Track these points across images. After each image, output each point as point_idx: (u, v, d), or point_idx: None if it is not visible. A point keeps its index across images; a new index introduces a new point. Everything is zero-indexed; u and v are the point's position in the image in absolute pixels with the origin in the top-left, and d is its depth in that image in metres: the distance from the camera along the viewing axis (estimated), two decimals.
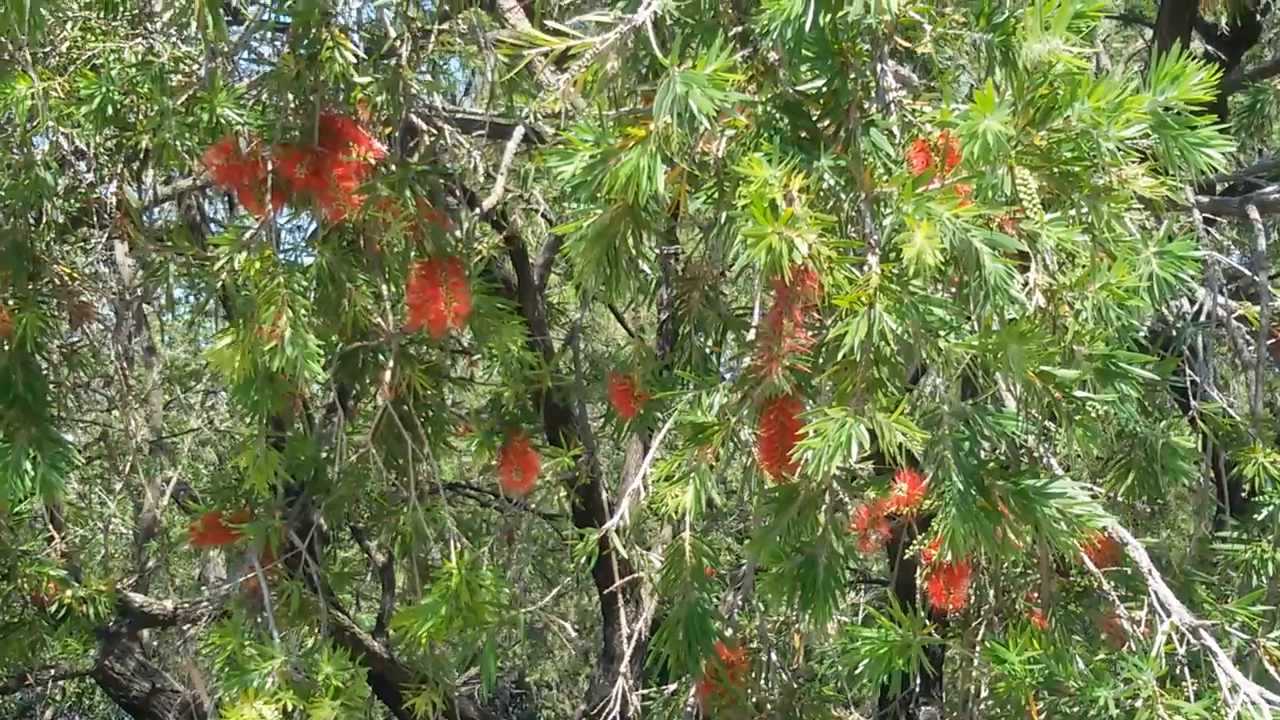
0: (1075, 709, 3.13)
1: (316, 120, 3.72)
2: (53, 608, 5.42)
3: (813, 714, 4.05)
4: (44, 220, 4.04)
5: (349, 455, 4.22)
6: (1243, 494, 4.36)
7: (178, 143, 3.66)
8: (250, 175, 3.69)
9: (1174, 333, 4.40)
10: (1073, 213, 2.67)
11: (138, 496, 8.09)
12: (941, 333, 2.61)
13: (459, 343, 4.49)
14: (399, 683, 5.63)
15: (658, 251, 4.62)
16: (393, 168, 3.77)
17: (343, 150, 3.70)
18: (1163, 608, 3.14)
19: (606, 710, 4.05)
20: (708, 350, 3.76)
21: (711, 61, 2.50)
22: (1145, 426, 3.70)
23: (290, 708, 3.71)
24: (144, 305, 6.37)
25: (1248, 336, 4.38)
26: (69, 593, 5.40)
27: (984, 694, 3.52)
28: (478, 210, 4.57)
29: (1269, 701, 2.92)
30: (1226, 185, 5.57)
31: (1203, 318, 4.33)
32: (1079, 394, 2.72)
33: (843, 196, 2.71)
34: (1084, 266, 2.69)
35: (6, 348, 3.92)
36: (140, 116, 3.78)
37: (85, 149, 4.10)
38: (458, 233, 4.04)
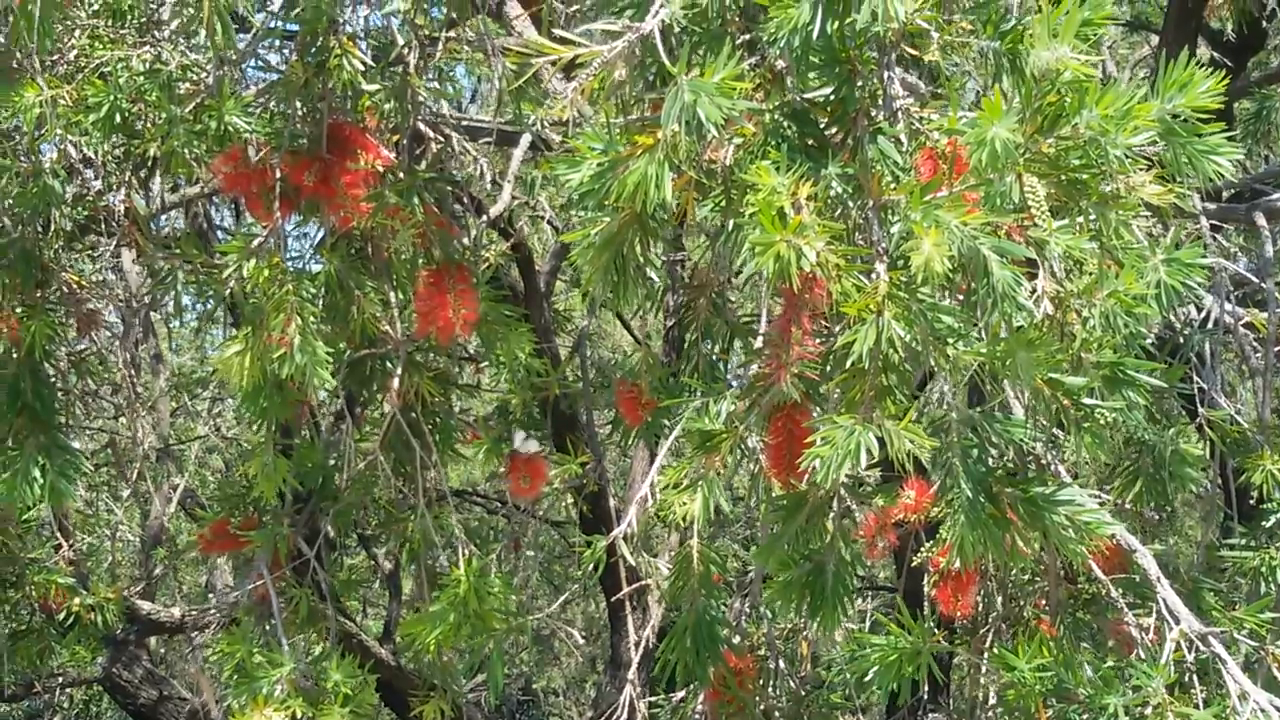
0: (1084, 716, 3.12)
1: (324, 128, 3.72)
2: (61, 615, 5.43)
3: None
4: (52, 228, 4.04)
5: (357, 462, 4.23)
6: (1250, 501, 4.35)
7: (186, 150, 3.67)
8: (258, 183, 3.70)
9: (1181, 340, 4.40)
10: (1081, 220, 2.67)
11: (145, 504, 8.10)
12: (950, 340, 2.61)
13: (466, 350, 4.49)
14: (407, 690, 5.63)
15: (664, 259, 4.62)
16: (400, 175, 3.78)
17: (351, 158, 3.71)
18: (1171, 615, 3.14)
19: (614, 717, 4.05)
20: (714, 357, 3.76)
21: (719, 70, 2.50)
22: (1153, 434, 3.70)
23: (299, 715, 3.72)
24: (151, 313, 6.37)
25: (1255, 343, 4.38)
26: (77, 600, 5.41)
27: (992, 701, 3.52)
28: (485, 217, 4.57)
29: (1278, 709, 2.91)
30: (1233, 192, 5.57)
31: (1210, 324, 4.33)
32: (1087, 401, 2.72)
33: (850, 204, 2.71)
34: (1092, 274, 2.69)
35: (15, 355, 3.92)
36: (148, 124, 3.79)
37: (93, 157, 4.10)
38: (465, 240, 4.05)
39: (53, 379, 4.27)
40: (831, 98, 2.77)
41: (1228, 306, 4.33)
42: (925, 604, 3.20)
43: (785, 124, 2.78)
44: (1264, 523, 4.04)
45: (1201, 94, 2.56)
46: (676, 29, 2.71)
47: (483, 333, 3.91)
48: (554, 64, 2.68)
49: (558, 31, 2.79)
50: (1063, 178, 2.63)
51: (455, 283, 3.76)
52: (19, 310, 3.91)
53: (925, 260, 2.44)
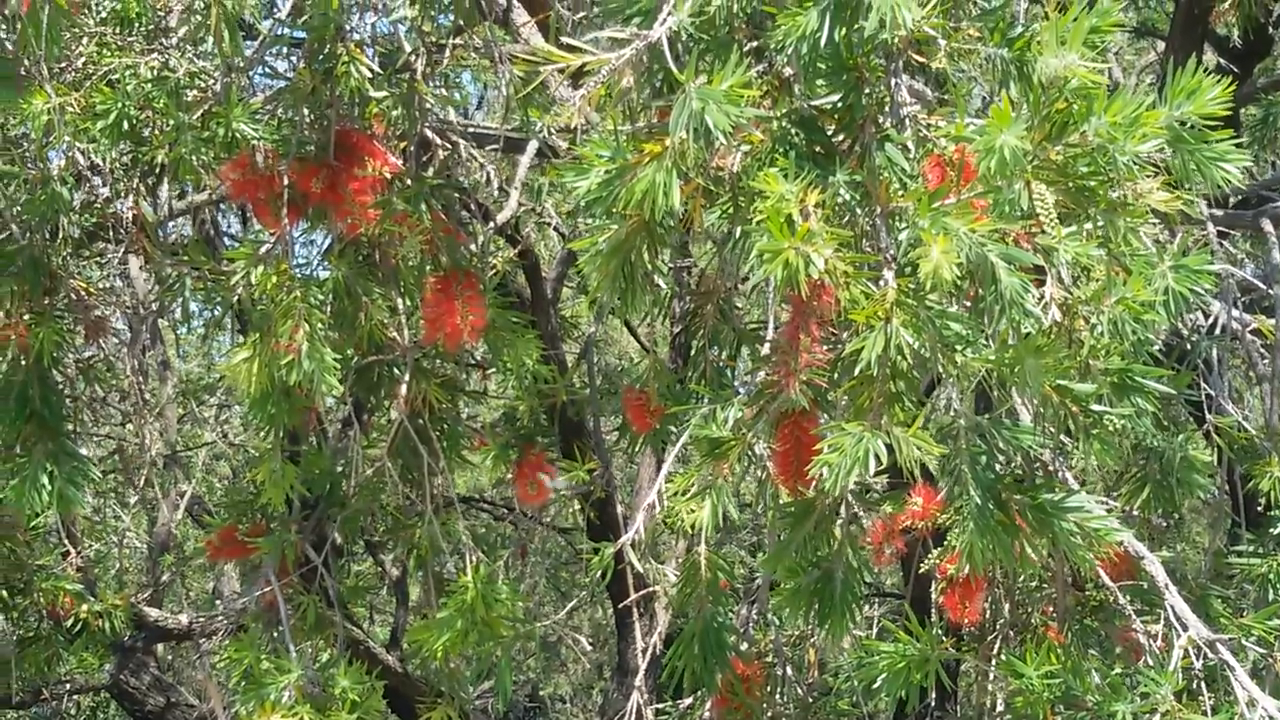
0: None
1: (332, 135, 3.73)
2: (69, 622, 5.43)
3: None
4: (60, 235, 4.05)
5: (364, 469, 4.23)
6: (1258, 508, 4.35)
7: (193, 157, 3.68)
8: (266, 190, 3.71)
9: (1188, 346, 4.40)
10: (1089, 227, 2.67)
11: (152, 510, 8.10)
12: (958, 347, 2.61)
13: (474, 356, 4.49)
14: (414, 697, 5.63)
15: (671, 265, 4.62)
16: (408, 182, 3.78)
17: (358, 165, 3.71)
18: (1179, 622, 3.13)
19: None
20: (722, 364, 3.76)
21: (727, 77, 2.50)
22: (1161, 440, 3.70)
23: None
24: (159, 319, 6.38)
25: (1262, 350, 4.37)
26: (85, 607, 5.41)
27: (1000, 708, 3.52)
28: (492, 224, 4.58)
29: None
30: (1240, 198, 5.57)
31: (1217, 331, 4.33)
32: (1095, 408, 2.72)
33: (858, 211, 2.71)
34: (1099, 281, 2.69)
35: (23, 362, 3.93)
36: (156, 131, 3.79)
37: (101, 164, 4.11)
38: (472, 247, 4.05)
39: (61, 386, 4.27)
40: (839, 105, 2.77)
41: (1235, 313, 4.32)
42: (933, 611, 3.19)
43: (793, 131, 2.78)
44: (1272, 529, 4.03)
45: (1209, 101, 2.56)
46: (684, 36, 2.72)
47: (490, 339, 3.91)
48: (561, 71, 2.69)
49: (565, 39, 2.79)
50: (1071, 185, 2.63)
51: (462, 289, 3.76)
52: (27, 317, 3.91)
53: (933, 267, 2.44)
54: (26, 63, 3.68)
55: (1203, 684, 3.11)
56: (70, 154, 3.92)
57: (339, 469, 4.27)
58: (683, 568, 3.62)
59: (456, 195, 4.11)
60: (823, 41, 2.57)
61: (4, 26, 3.65)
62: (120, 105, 3.67)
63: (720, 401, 3.11)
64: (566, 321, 7.89)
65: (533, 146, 4.82)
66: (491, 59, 4.16)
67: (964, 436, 2.73)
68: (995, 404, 2.97)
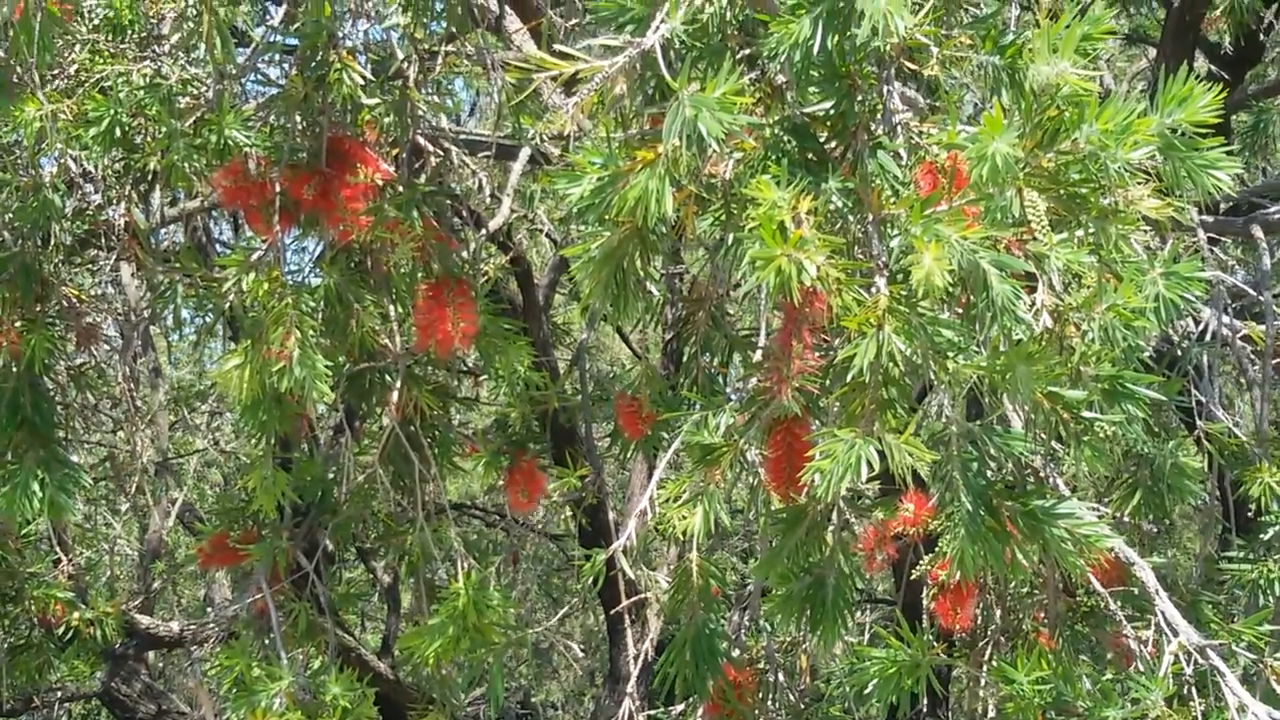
0: None
1: (324, 142, 3.73)
2: (60, 630, 5.43)
3: None
4: (52, 242, 4.05)
5: (356, 476, 4.23)
6: (1249, 513, 4.36)
7: (185, 164, 3.68)
8: (258, 197, 3.71)
9: (1179, 353, 4.41)
10: (1080, 234, 2.68)
11: (143, 517, 8.09)
12: (949, 354, 2.61)
13: (465, 363, 4.50)
14: (405, 703, 5.63)
15: (663, 272, 4.63)
16: (400, 189, 3.79)
17: (350, 171, 3.72)
18: (1170, 627, 3.14)
19: None
20: (714, 371, 3.77)
21: (720, 85, 2.51)
22: (1151, 446, 3.71)
23: None
24: (150, 326, 6.38)
25: (1252, 356, 4.38)
26: (76, 615, 5.41)
27: (992, 714, 3.52)
28: (484, 231, 4.58)
29: None
30: (1230, 205, 5.58)
31: (1208, 337, 4.34)
32: (1086, 414, 2.72)
33: (851, 218, 2.72)
34: (1090, 287, 2.70)
35: (15, 369, 3.93)
36: (148, 139, 3.80)
37: (93, 171, 4.11)
38: (464, 254, 4.05)
39: (52, 393, 4.27)
40: (831, 112, 2.78)
41: (1225, 319, 4.33)
42: (924, 617, 3.20)
43: (785, 138, 2.79)
44: (1262, 535, 4.04)
45: (1200, 108, 2.57)
46: (677, 44, 2.72)
47: (482, 346, 3.92)
48: (554, 78, 2.69)
49: (558, 46, 2.79)
50: (1062, 192, 2.64)
51: (454, 296, 3.76)
52: (19, 324, 3.91)
53: (925, 274, 2.45)
54: (19, 70, 3.68)
55: (1193, 689, 3.12)
56: (62, 161, 3.92)
57: (330, 476, 4.27)
58: (674, 574, 3.62)
59: (448, 202, 4.11)
60: (815, 49, 2.57)
61: None
62: (112, 112, 3.67)
63: (712, 408, 3.12)
64: (558, 328, 7.90)
65: (525, 153, 4.83)
66: (484, 66, 4.16)
67: (955, 443, 2.73)
68: (987, 410, 2.98)
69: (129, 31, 3.79)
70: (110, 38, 3.80)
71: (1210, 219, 4.74)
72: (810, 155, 2.77)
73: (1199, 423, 4.23)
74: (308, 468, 4.20)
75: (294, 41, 3.90)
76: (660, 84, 2.72)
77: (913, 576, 3.34)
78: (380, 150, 3.87)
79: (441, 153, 4.11)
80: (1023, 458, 2.97)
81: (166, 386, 8.02)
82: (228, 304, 3.77)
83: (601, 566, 3.49)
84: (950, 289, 2.50)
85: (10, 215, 3.92)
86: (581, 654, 11.26)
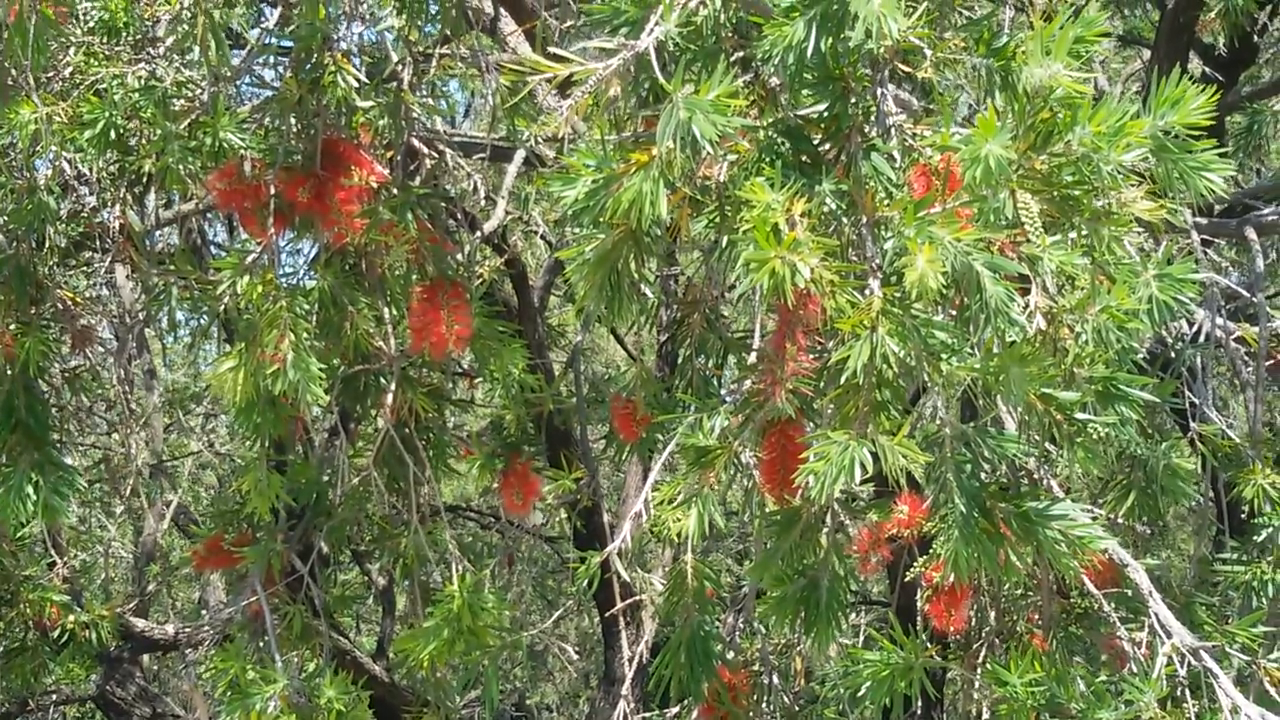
0: None
1: (319, 144, 3.73)
2: (55, 632, 5.42)
3: None
4: (47, 245, 4.05)
5: (351, 478, 4.23)
6: (1242, 515, 4.36)
7: (180, 167, 3.67)
8: (253, 199, 3.71)
9: (1173, 354, 4.41)
10: (1073, 236, 2.68)
11: (138, 520, 8.09)
12: (943, 355, 2.62)
13: (460, 365, 4.50)
14: (400, 706, 5.63)
15: (658, 274, 4.63)
16: (394, 191, 3.78)
17: (345, 174, 3.72)
18: (1163, 629, 3.14)
19: None
20: (709, 373, 3.77)
21: (714, 87, 2.51)
22: (1145, 448, 3.71)
23: None
24: (145, 329, 6.38)
25: (1246, 357, 4.39)
26: (71, 617, 5.40)
27: (986, 716, 3.52)
28: (479, 233, 4.58)
29: None
30: (1224, 207, 5.59)
31: (1202, 339, 4.34)
32: (1079, 416, 2.73)
33: (844, 220, 2.72)
34: (1084, 289, 2.70)
35: (9, 372, 3.92)
36: (143, 141, 3.79)
37: (88, 173, 4.11)
38: (459, 256, 4.05)
39: (47, 395, 4.27)
40: (825, 114, 2.78)
41: (1219, 321, 4.34)
42: (919, 619, 3.20)
43: (779, 141, 2.79)
44: (1255, 537, 4.04)
45: (1193, 110, 2.57)
46: (671, 46, 2.72)
47: (476, 348, 3.92)
48: (549, 81, 2.69)
49: (552, 48, 2.80)
50: (1055, 194, 2.64)
51: (449, 298, 3.76)
52: (13, 327, 3.91)
53: (919, 276, 2.45)
54: (13, 72, 3.68)
55: (1187, 691, 3.12)
56: (57, 163, 3.92)
57: (325, 478, 4.27)
58: (669, 576, 3.62)
59: (443, 204, 4.11)
60: (809, 51, 2.58)
61: None
62: (107, 115, 3.67)
63: (707, 410, 3.12)
64: (553, 330, 7.90)
65: (520, 156, 4.83)
66: (479, 68, 4.17)
67: (949, 445, 2.74)
68: (980, 412, 2.98)
69: (124, 34, 3.79)
70: (105, 40, 3.80)
71: (1204, 221, 4.74)
72: (804, 157, 2.78)
73: (1193, 424, 4.24)
74: (302, 470, 4.20)
75: (289, 44, 3.90)
76: (654, 86, 2.73)
77: (907, 579, 3.34)
78: (375, 153, 3.87)
79: (436, 155, 4.11)
80: (1016, 459, 2.98)
81: (161, 389, 8.02)
82: (222, 306, 3.77)
83: (596, 569, 3.49)
84: (944, 291, 2.50)
85: (5, 218, 3.92)
86: (576, 656, 11.27)
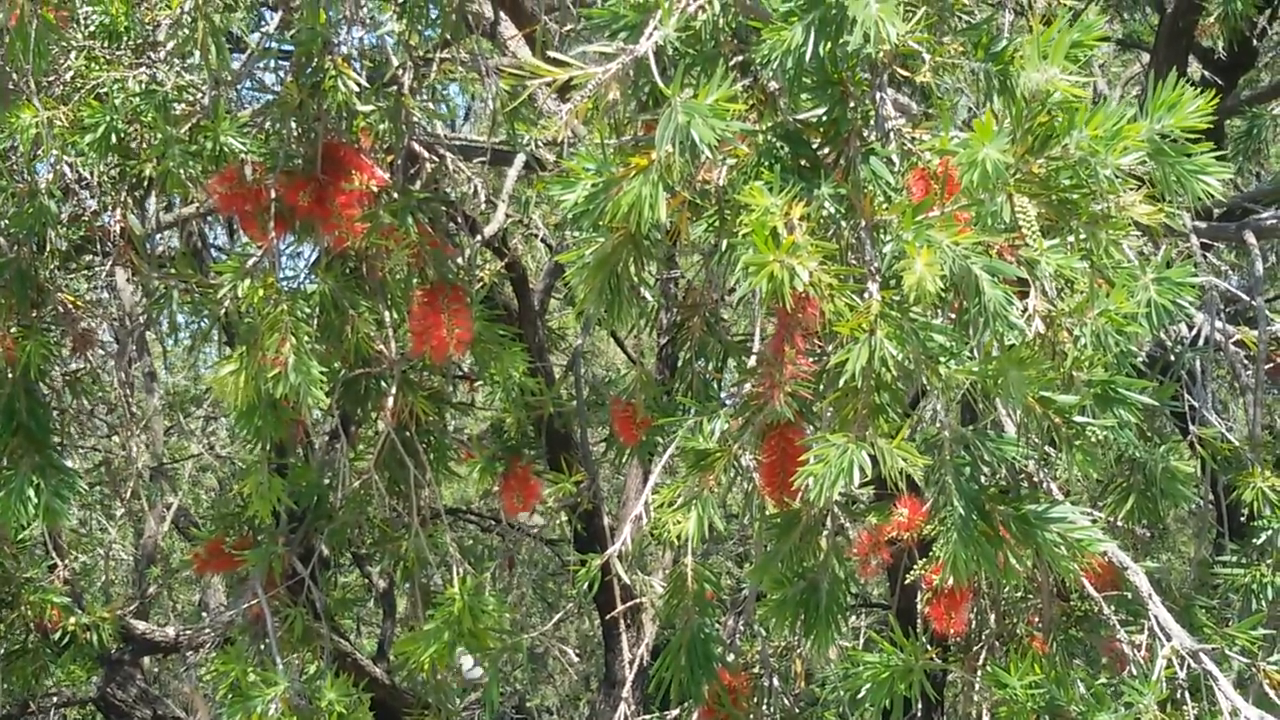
0: None
1: (319, 148, 3.74)
2: (56, 635, 5.43)
3: None
4: (47, 248, 4.05)
5: (351, 481, 4.23)
6: (1242, 518, 4.36)
7: (181, 170, 3.68)
8: (253, 203, 3.71)
9: (1172, 357, 4.42)
10: (1071, 239, 2.69)
11: (138, 522, 8.10)
12: (942, 359, 2.62)
13: (460, 368, 4.50)
14: (401, 709, 5.63)
15: (658, 278, 4.64)
16: (395, 195, 3.79)
17: (345, 178, 3.72)
18: (1163, 632, 3.15)
19: None
20: (708, 376, 3.77)
21: (713, 91, 2.52)
22: (1144, 451, 3.71)
23: None
24: (146, 332, 6.38)
25: (1246, 361, 4.39)
26: (72, 620, 5.41)
27: (986, 719, 3.53)
28: (479, 237, 4.59)
29: None
30: (1223, 210, 5.59)
31: (1201, 342, 4.35)
32: (1078, 419, 2.73)
33: (843, 224, 2.73)
34: (1083, 293, 2.71)
35: (10, 375, 3.93)
36: (144, 145, 3.80)
37: (89, 177, 4.11)
38: (459, 259, 4.06)
39: (48, 398, 4.28)
40: (824, 119, 2.78)
41: (1219, 324, 4.34)
42: (918, 621, 3.21)
43: (778, 145, 2.79)
44: (1255, 540, 4.05)
45: (1190, 114, 2.57)
46: (670, 51, 2.73)
47: (477, 352, 3.92)
48: (548, 85, 2.70)
49: (552, 53, 2.80)
50: (1053, 198, 2.64)
51: (449, 302, 3.77)
52: (14, 330, 3.92)
53: (917, 280, 2.45)
54: (14, 76, 3.69)
55: (1186, 694, 3.12)
56: (58, 167, 3.92)
57: (326, 481, 4.27)
58: (669, 579, 3.63)
59: (443, 208, 4.12)
60: (808, 56, 2.58)
61: None
62: (108, 118, 3.68)
63: (707, 413, 3.12)
64: (554, 333, 7.91)
65: (520, 159, 4.84)
66: (479, 72, 4.17)
67: (948, 447, 2.74)
68: (980, 415, 2.99)
69: (125, 38, 3.80)
70: (106, 44, 3.81)
71: (1203, 225, 4.75)
72: (803, 161, 2.78)
73: (1192, 427, 4.24)
74: (303, 473, 4.21)
75: (289, 48, 3.90)
76: (654, 91, 2.73)
77: (907, 581, 3.34)
78: (375, 156, 3.87)
79: (436, 159, 4.12)
80: (1016, 462, 2.98)
81: (161, 392, 8.02)
82: (223, 310, 3.78)
83: (597, 571, 3.49)
84: (942, 294, 2.51)
85: (6, 221, 3.93)
86: (577, 659, 11.27)
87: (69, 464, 4.13)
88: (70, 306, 4.16)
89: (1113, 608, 3.39)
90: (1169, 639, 3.12)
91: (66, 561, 5.84)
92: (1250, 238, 4.68)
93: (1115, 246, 2.70)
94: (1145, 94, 2.62)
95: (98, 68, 3.80)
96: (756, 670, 4.03)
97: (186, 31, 3.59)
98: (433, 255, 3.83)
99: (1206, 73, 6.48)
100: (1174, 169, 2.59)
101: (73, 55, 3.85)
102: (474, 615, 3.81)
